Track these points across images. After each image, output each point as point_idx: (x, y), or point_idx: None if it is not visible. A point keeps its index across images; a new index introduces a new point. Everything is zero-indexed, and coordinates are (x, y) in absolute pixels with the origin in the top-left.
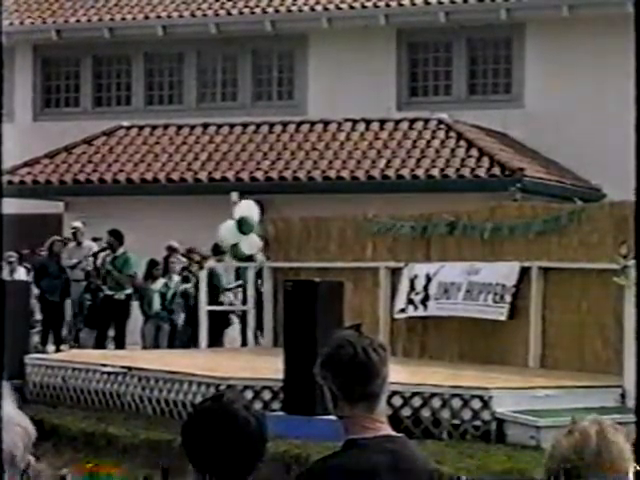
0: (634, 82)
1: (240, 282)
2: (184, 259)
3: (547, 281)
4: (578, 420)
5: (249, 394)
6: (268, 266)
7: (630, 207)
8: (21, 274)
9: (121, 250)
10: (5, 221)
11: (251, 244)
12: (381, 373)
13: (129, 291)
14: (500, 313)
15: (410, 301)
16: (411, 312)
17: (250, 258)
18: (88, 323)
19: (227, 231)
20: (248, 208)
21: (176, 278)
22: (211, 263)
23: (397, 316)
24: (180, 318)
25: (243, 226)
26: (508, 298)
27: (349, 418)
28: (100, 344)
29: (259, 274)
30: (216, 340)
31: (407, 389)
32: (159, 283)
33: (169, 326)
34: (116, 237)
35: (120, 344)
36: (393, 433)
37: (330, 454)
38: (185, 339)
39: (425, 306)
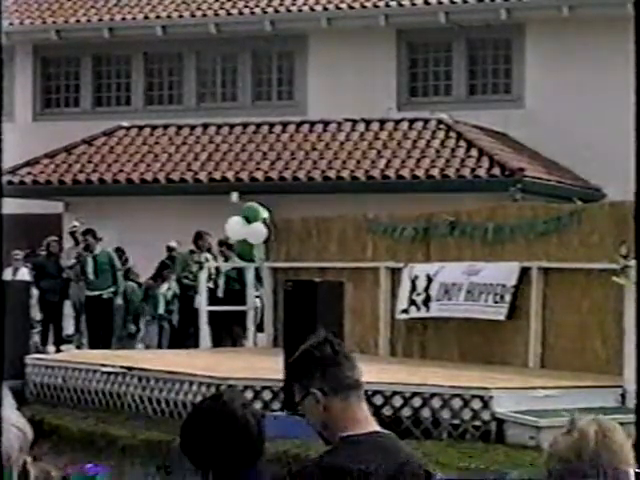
0: (634, 82)
1: None
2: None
3: (547, 281)
4: (577, 420)
5: (249, 394)
6: (268, 266)
7: (630, 207)
8: (24, 274)
9: (98, 248)
10: (5, 221)
11: (257, 234)
12: (357, 362)
13: (113, 289)
14: (499, 313)
15: (412, 302)
16: (414, 313)
17: (252, 259)
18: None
19: (234, 224)
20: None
21: (174, 282)
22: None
23: (399, 317)
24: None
25: (248, 213)
26: (508, 298)
27: (342, 411)
28: (95, 344)
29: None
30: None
31: (407, 389)
32: (165, 285)
33: (169, 326)
34: (93, 236)
35: (107, 344)
36: (382, 430)
37: (325, 452)
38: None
39: (427, 307)
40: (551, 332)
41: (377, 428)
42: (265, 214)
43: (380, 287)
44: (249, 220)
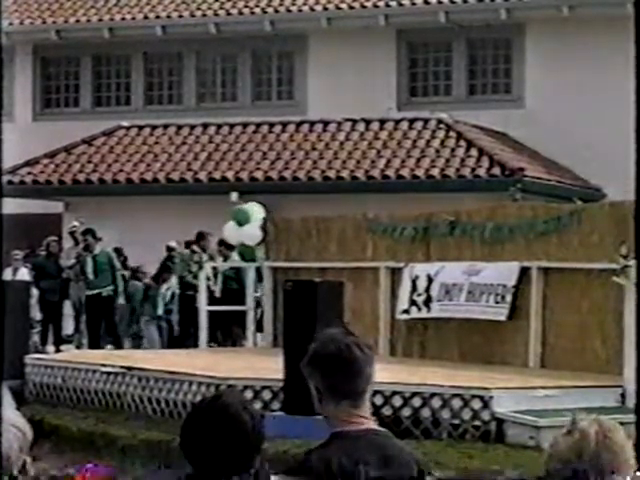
0: (634, 82)
1: None
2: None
3: (547, 281)
4: (577, 420)
5: (249, 394)
6: (268, 266)
7: (630, 207)
8: (24, 274)
9: (98, 248)
10: (5, 221)
11: (250, 236)
12: (365, 371)
13: (112, 287)
14: (500, 314)
15: (413, 302)
16: (415, 313)
17: (254, 260)
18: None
19: (230, 228)
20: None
21: (174, 280)
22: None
23: (400, 317)
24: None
25: (238, 216)
26: (508, 298)
27: (334, 414)
28: (95, 344)
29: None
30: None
31: (407, 389)
32: (165, 286)
33: (167, 326)
34: (92, 236)
35: (116, 340)
36: (377, 427)
37: (317, 446)
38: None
39: (428, 307)
40: (551, 332)
41: (372, 426)
42: (262, 213)
43: (380, 287)
44: (240, 223)
